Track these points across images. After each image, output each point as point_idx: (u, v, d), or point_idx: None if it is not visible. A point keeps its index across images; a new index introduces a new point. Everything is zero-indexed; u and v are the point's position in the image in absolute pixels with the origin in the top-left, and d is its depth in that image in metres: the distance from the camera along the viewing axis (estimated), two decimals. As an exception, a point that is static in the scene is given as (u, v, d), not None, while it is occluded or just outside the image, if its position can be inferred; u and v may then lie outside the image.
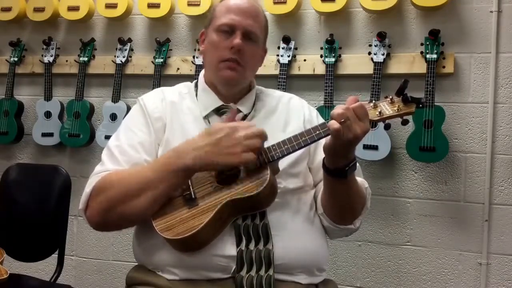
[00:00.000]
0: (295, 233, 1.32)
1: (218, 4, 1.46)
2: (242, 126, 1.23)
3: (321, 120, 1.47)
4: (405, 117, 1.25)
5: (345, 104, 1.22)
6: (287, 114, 1.47)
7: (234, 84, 1.43)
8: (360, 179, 1.40)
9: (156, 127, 1.39)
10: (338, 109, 1.19)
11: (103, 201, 1.28)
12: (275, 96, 1.53)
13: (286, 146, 1.26)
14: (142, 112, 1.42)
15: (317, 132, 1.25)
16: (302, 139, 1.25)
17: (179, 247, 1.25)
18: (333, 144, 1.21)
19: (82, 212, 1.34)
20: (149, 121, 1.40)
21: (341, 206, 1.37)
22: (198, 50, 2.70)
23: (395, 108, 1.23)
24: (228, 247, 1.25)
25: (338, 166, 1.26)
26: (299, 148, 1.26)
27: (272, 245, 1.27)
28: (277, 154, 1.25)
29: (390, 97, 1.25)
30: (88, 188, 1.31)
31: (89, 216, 1.32)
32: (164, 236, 1.23)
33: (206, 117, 1.42)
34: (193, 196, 1.26)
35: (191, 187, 1.27)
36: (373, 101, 1.26)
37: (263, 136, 1.22)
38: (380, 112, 1.23)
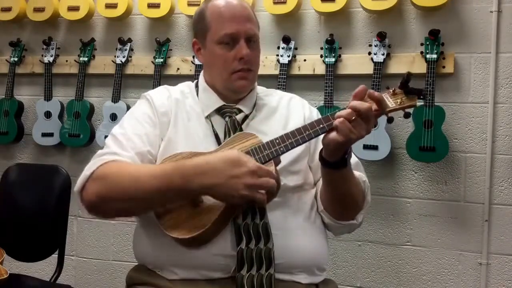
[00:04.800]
0: (295, 232, 1.32)
1: (206, 11, 1.41)
2: (262, 172, 1.18)
3: None
4: (407, 110, 1.24)
5: (353, 95, 1.22)
6: (288, 114, 1.47)
7: (247, 91, 1.44)
8: (358, 173, 1.40)
9: (161, 121, 1.38)
10: (344, 111, 1.19)
11: (102, 189, 1.24)
12: (276, 96, 1.53)
13: (290, 141, 1.24)
14: (149, 106, 1.41)
15: (321, 125, 1.23)
16: (306, 133, 1.24)
17: (185, 244, 1.25)
18: (338, 141, 1.19)
19: (77, 193, 1.29)
20: (156, 114, 1.39)
21: (341, 199, 1.36)
22: (193, 57, 2.70)
23: (398, 101, 1.22)
24: (228, 247, 1.25)
25: (338, 158, 1.25)
26: (303, 142, 1.25)
27: (273, 244, 1.26)
28: (281, 149, 1.24)
29: (393, 88, 1.24)
30: (87, 171, 1.27)
31: (84, 198, 1.27)
32: (171, 235, 1.22)
33: (208, 117, 1.42)
34: None
35: None
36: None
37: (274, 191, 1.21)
38: None
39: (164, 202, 1.25)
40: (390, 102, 1.23)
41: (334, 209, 1.39)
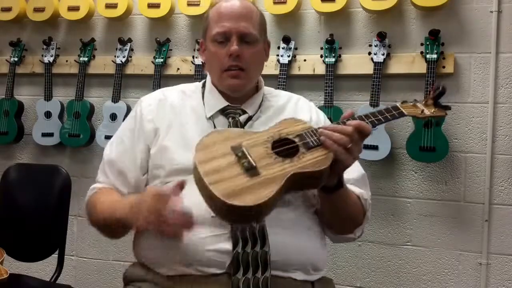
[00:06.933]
0: (292, 231, 1.32)
1: (211, 11, 1.45)
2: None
3: (328, 122, 1.47)
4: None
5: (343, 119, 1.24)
6: (295, 114, 1.46)
7: (241, 90, 1.44)
8: (360, 191, 1.40)
9: (146, 129, 1.41)
10: (329, 141, 1.19)
11: (91, 220, 1.47)
12: (283, 97, 1.53)
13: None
14: (134, 117, 1.46)
15: (391, 113, 1.28)
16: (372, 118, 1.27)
17: (239, 218, 1.16)
18: (335, 167, 1.19)
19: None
20: (137, 126, 1.43)
21: (340, 218, 1.38)
22: (196, 57, 2.72)
23: (432, 110, 1.35)
24: (222, 242, 1.25)
25: (331, 183, 1.25)
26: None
27: (269, 247, 1.25)
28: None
29: (426, 99, 1.37)
30: (85, 199, 1.48)
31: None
32: (231, 203, 1.11)
33: (211, 118, 1.42)
34: (253, 165, 1.17)
35: (248, 156, 1.19)
36: (414, 101, 1.37)
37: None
38: (422, 111, 1.34)
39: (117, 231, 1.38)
40: (426, 111, 1.35)
41: (331, 224, 1.40)
